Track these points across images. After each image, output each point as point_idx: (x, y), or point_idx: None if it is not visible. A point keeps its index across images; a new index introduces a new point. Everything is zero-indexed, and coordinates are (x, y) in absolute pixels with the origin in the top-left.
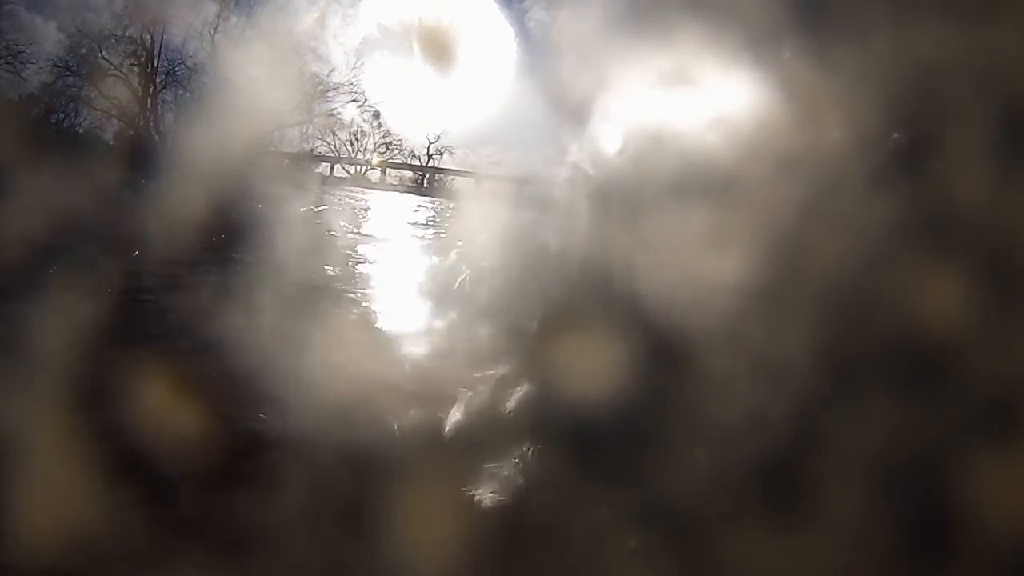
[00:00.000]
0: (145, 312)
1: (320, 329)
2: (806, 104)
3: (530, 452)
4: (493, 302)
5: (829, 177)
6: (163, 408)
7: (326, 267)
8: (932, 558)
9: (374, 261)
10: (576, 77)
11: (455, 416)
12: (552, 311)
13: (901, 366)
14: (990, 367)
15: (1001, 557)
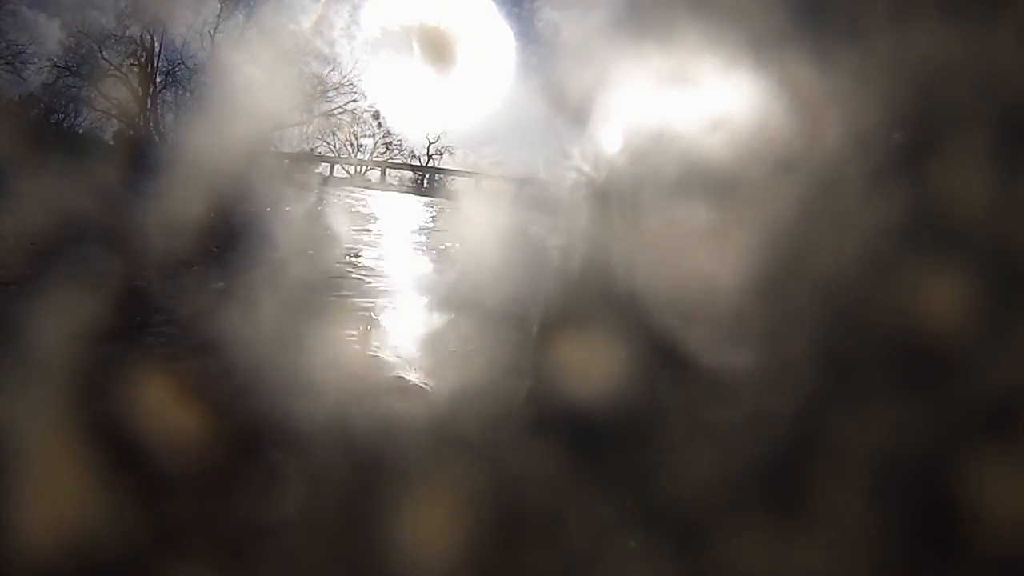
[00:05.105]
0: (145, 311)
1: (318, 328)
2: (807, 104)
3: (530, 451)
4: (493, 301)
5: (830, 177)
6: (162, 407)
7: (325, 267)
8: (936, 559)
9: (373, 261)
10: (577, 77)
11: (455, 415)
12: (553, 310)
13: (904, 366)
14: (993, 367)
15: (1005, 557)
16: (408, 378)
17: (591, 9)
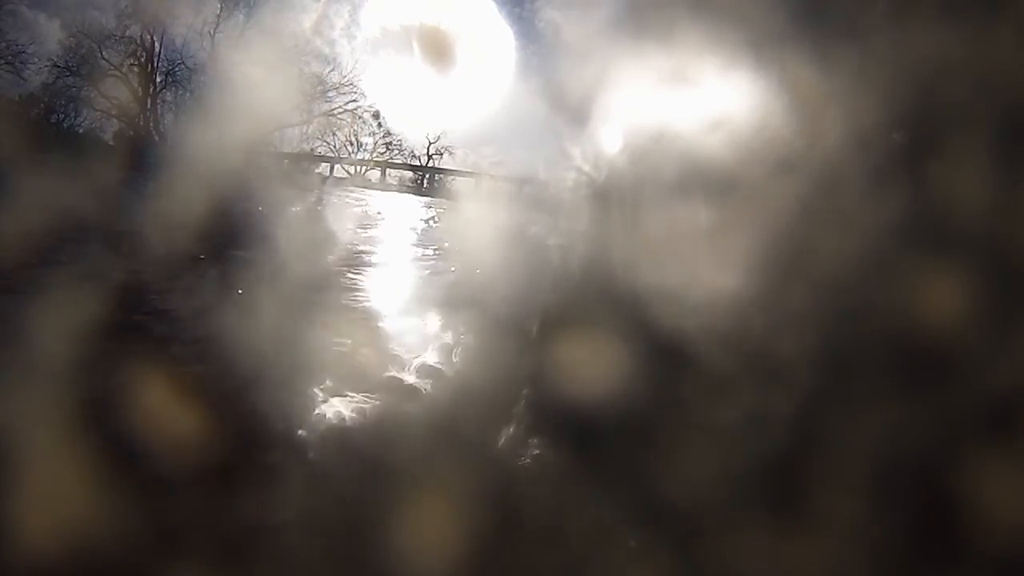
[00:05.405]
0: (144, 311)
1: (318, 327)
2: (808, 104)
3: (531, 451)
4: (493, 301)
5: (829, 177)
6: (162, 407)
7: (324, 267)
8: (937, 559)
9: (373, 260)
10: (577, 77)
11: (455, 415)
12: (553, 311)
13: (903, 366)
14: (993, 367)
15: (1005, 558)
16: (406, 379)
17: (591, 9)
